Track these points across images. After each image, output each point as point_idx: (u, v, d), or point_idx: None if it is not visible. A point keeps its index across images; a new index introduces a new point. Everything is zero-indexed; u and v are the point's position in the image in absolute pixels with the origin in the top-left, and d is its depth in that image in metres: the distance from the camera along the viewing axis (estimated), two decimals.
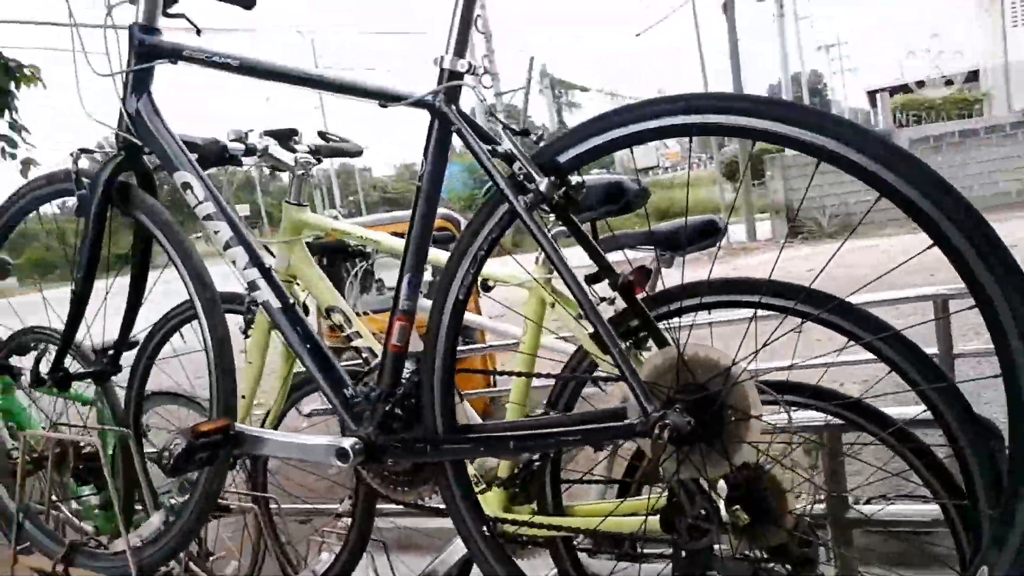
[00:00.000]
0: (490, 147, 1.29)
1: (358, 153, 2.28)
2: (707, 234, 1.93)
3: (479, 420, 1.68)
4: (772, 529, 1.44)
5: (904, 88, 24.96)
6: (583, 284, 1.23)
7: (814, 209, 14.99)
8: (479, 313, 4.77)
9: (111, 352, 1.99)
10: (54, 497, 2.32)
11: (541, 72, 23.64)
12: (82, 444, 2.40)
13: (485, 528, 1.40)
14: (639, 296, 1.30)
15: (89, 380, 2.12)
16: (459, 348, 1.38)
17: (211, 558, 2.39)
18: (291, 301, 1.56)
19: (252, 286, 1.55)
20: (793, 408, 1.56)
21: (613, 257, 1.45)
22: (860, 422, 1.49)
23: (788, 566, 1.60)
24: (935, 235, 1.00)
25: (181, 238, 1.63)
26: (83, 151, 1.74)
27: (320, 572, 2.09)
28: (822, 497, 1.85)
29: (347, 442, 1.37)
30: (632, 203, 1.66)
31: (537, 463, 1.53)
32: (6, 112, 4.98)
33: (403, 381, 1.40)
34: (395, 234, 1.93)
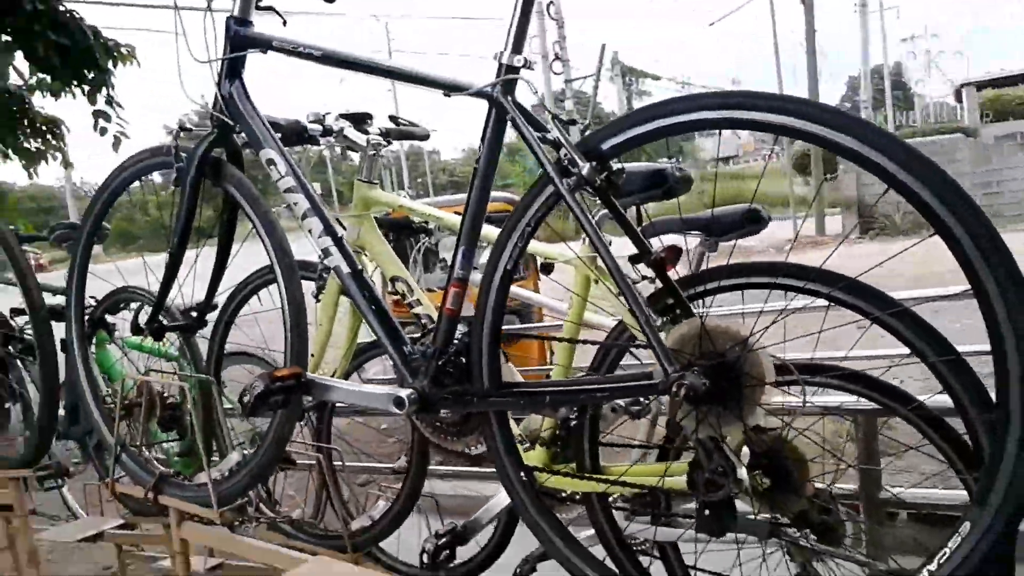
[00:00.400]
0: (540, 134, 1.43)
1: (425, 136, 2.44)
2: (750, 221, 2.03)
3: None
4: (792, 496, 1.54)
5: (992, 83, 24.04)
6: (617, 260, 1.37)
7: (888, 205, 14.63)
8: (537, 293, 4.94)
9: (197, 311, 2.21)
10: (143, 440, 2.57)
11: (612, 60, 23.51)
12: (167, 394, 2.64)
13: (523, 474, 1.56)
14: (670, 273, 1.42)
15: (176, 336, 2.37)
16: (517, 327, 1.53)
17: (277, 506, 2.61)
18: (360, 267, 1.73)
19: (325, 252, 1.74)
20: (817, 389, 1.67)
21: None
22: (882, 400, 1.59)
23: (813, 536, 1.71)
24: (941, 230, 1.11)
25: (266, 209, 1.82)
26: (182, 128, 1.94)
27: (376, 517, 2.28)
28: (846, 471, 1.93)
29: (404, 392, 1.55)
30: (674, 189, 1.78)
31: (574, 422, 1.67)
32: (103, 89, 5.31)
33: (455, 341, 1.56)
34: (459, 214, 2.09)
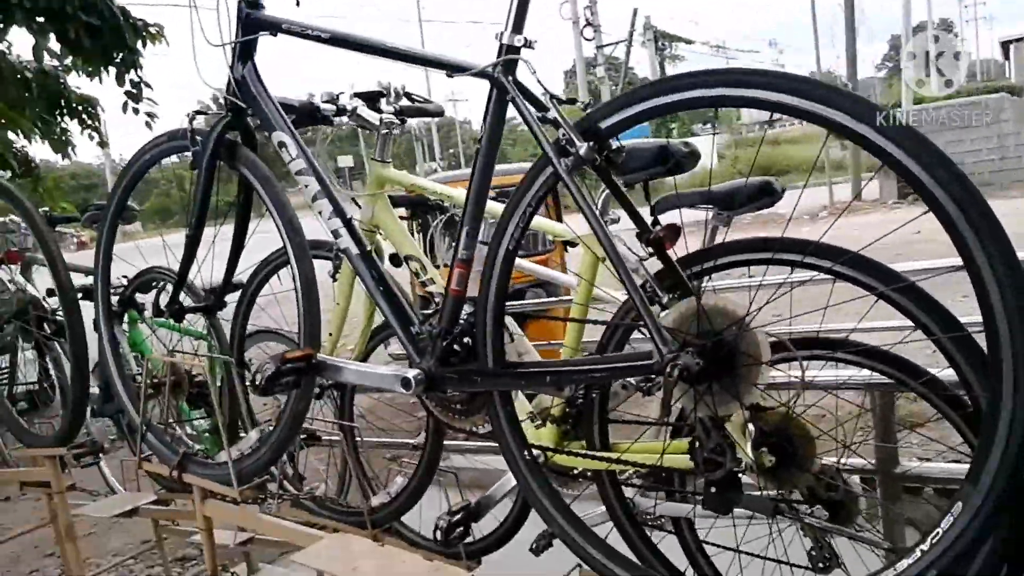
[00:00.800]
0: (541, 114, 1.43)
1: (439, 113, 2.44)
2: (763, 194, 2.00)
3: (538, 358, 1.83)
4: (797, 473, 1.54)
5: None
6: (616, 240, 1.37)
7: None
8: (564, 271, 4.93)
9: (218, 290, 2.26)
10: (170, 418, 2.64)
11: (644, 24, 23.08)
12: (195, 373, 2.71)
13: (526, 452, 1.58)
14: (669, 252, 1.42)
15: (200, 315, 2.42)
16: (524, 302, 1.55)
17: (303, 482, 2.67)
18: (368, 248, 1.76)
19: (335, 234, 1.76)
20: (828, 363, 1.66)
21: None
22: (893, 373, 1.57)
23: (825, 512, 1.71)
24: (931, 203, 1.09)
25: (277, 190, 1.85)
26: (197, 112, 1.97)
27: (395, 492, 2.32)
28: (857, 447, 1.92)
29: (411, 372, 1.58)
30: (680, 165, 1.76)
31: (581, 400, 1.68)
32: (131, 70, 5.39)
33: (461, 322, 1.58)
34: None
